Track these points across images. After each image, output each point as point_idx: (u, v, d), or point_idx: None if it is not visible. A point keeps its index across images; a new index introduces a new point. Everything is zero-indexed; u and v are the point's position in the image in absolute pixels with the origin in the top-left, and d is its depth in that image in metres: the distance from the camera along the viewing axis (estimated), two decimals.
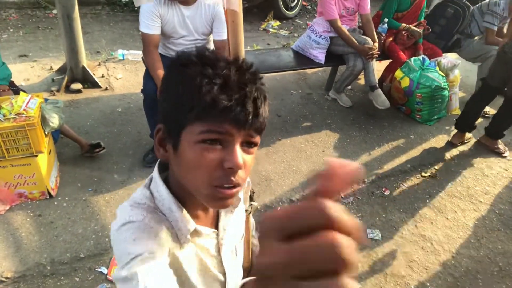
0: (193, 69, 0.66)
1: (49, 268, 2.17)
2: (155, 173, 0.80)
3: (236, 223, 0.93)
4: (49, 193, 2.56)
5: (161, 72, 2.53)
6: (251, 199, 1.11)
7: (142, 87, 2.73)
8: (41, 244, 2.28)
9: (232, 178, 0.68)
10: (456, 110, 4.13)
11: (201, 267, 0.84)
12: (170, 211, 0.77)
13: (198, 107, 0.65)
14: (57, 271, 2.17)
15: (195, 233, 0.80)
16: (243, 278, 1.30)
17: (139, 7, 2.58)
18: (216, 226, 0.87)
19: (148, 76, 2.67)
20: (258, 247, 1.01)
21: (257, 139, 0.72)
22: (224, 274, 0.89)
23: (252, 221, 1.22)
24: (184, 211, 0.77)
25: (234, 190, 0.70)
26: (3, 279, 2.09)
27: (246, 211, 1.11)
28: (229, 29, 0.95)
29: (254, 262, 1.29)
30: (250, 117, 0.65)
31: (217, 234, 0.86)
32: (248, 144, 0.71)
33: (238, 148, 0.67)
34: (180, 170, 0.74)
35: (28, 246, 2.27)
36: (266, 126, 0.72)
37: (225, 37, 2.71)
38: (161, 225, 0.75)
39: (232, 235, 0.91)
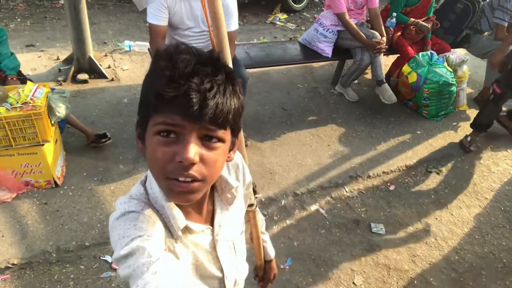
0: (156, 62, 0.67)
1: (54, 255, 2.19)
2: (149, 170, 0.80)
3: (233, 220, 0.92)
4: (55, 182, 2.58)
5: (161, 42, 2.56)
6: (254, 192, 1.10)
7: None
8: (47, 232, 2.31)
9: (185, 172, 0.67)
10: (464, 106, 4.10)
11: (196, 263, 0.84)
12: (162, 208, 0.77)
13: (153, 100, 0.66)
14: (62, 259, 2.19)
15: (188, 230, 0.80)
16: (257, 275, 1.32)
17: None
18: (211, 223, 0.87)
19: None
20: (268, 243, 1.02)
21: (220, 133, 0.69)
22: (221, 270, 0.88)
23: (261, 216, 1.22)
24: (175, 208, 0.77)
25: (192, 184, 0.68)
26: (10, 265, 2.11)
27: (252, 205, 1.11)
28: (211, 22, 0.93)
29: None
30: (195, 108, 0.63)
31: (212, 231, 0.86)
32: (210, 139, 0.69)
33: (191, 142, 0.66)
34: (148, 163, 0.74)
35: (34, 233, 2.29)
36: (230, 120, 0.69)
37: (233, 28, 2.70)
38: (157, 218, 0.76)
39: (229, 231, 0.90)
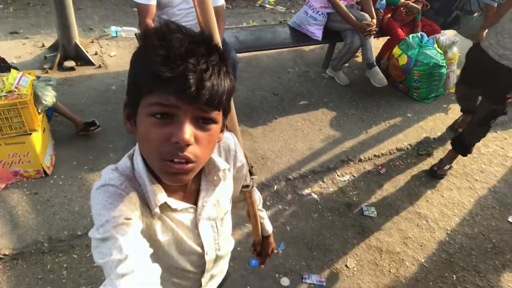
0: (148, 41, 0.66)
1: (46, 245, 2.18)
2: (137, 145, 0.80)
3: (218, 200, 0.94)
4: (45, 172, 2.54)
5: (150, 22, 2.52)
6: (250, 173, 1.13)
7: None
8: (38, 222, 2.28)
9: (180, 153, 0.67)
10: (454, 88, 4.12)
11: (176, 239, 0.87)
12: (144, 184, 0.78)
13: (146, 80, 0.64)
14: (54, 248, 2.18)
15: (169, 207, 0.81)
16: (255, 250, 1.37)
17: None
18: (195, 202, 0.89)
19: None
20: (266, 219, 1.04)
21: (214, 115, 0.69)
22: (202, 247, 0.92)
23: (258, 195, 1.25)
24: (156, 184, 0.78)
25: (187, 166, 0.69)
26: (2, 256, 2.09)
27: (248, 186, 1.13)
28: (197, 4, 0.91)
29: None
30: (193, 89, 0.62)
31: (195, 210, 0.88)
32: (204, 120, 0.69)
33: (187, 123, 0.66)
34: (139, 144, 0.75)
35: (25, 224, 2.27)
36: (223, 101, 0.69)
37: (220, 2, 2.68)
38: (136, 193, 0.76)
39: (212, 211, 0.92)
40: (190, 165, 0.69)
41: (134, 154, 0.82)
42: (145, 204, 0.78)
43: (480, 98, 3.01)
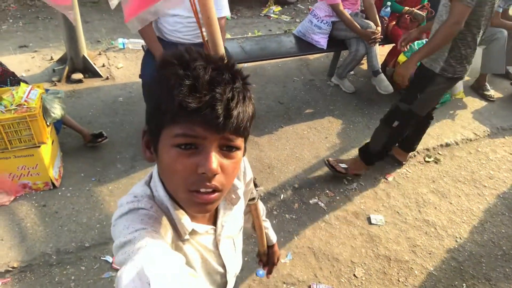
0: (169, 70, 0.64)
1: (54, 257, 2.19)
2: (155, 171, 0.79)
3: (234, 218, 0.94)
4: (53, 184, 2.57)
5: (159, 45, 2.57)
6: (255, 185, 1.13)
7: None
8: (46, 234, 2.30)
9: (208, 183, 0.66)
10: (460, 94, 4.10)
11: (202, 261, 0.86)
12: (168, 211, 0.77)
13: (171, 110, 0.62)
14: (62, 260, 2.19)
15: (193, 231, 0.81)
16: (261, 261, 1.39)
17: None
18: (214, 222, 0.88)
19: (146, 62, 2.66)
20: (270, 229, 1.04)
21: (238, 142, 0.68)
22: (223, 266, 0.91)
23: (261, 206, 1.26)
24: (181, 212, 0.77)
25: (213, 195, 0.68)
26: (10, 268, 2.11)
27: (254, 199, 1.14)
28: (205, 25, 0.90)
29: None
30: (221, 119, 0.61)
31: (215, 231, 0.87)
32: (228, 148, 0.68)
33: (212, 152, 0.65)
34: (161, 174, 0.73)
35: (33, 236, 2.29)
36: (248, 128, 0.68)
37: (222, 14, 2.59)
38: (165, 219, 0.75)
39: (230, 230, 0.92)
40: (216, 194, 0.68)
41: (151, 181, 0.80)
42: (174, 228, 0.77)
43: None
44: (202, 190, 0.66)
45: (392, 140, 2.64)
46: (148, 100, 0.71)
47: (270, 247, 1.38)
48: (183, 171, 0.66)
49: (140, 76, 2.77)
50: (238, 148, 0.69)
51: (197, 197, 0.67)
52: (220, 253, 0.89)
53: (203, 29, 0.93)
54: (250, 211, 1.22)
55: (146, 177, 0.82)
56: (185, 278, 0.57)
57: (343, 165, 2.86)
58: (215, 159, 0.65)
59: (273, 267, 1.41)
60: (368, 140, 2.86)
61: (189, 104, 0.60)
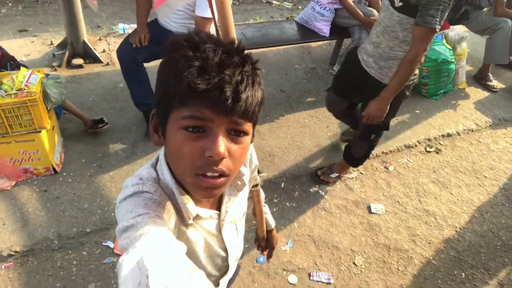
0: (179, 52, 0.64)
1: (56, 242, 2.20)
2: (162, 154, 0.79)
3: (238, 204, 0.94)
4: (54, 169, 2.56)
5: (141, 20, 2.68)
6: (259, 172, 1.14)
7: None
8: (48, 219, 2.31)
9: (215, 167, 0.65)
10: (463, 84, 4.08)
11: (205, 245, 0.87)
12: (172, 194, 0.77)
13: (180, 92, 0.62)
14: (64, 245, 2.20)
15: (197, 216, 0.81)
16: (260, 245, 1.41)
17: None
18: (218, 207, 0.89)
19: (127, 40, 2.67)
20: (269, 214, 1.04)
21: (246, 127, 0.67)
22: (225, 250, 0.93)
23: (262, 193, 1.27)
24: (186, 197, 0.77)
25: (219, 180, 0.67)
26: (12, 253, 2.12)
27: (257, 185, 1.16)
28: (217, 11, 0.89)
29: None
30: (229, 102, 0.61)
31: (219, 216, 0.88)
32: (236, 133, 0.67)
33: (220, 136, 0.64)
34: (168, 157, 0.73)
35: (35, 221, 2.29)
36: (256, 113, 0.68)
37: (200, 13, 2.48)
38: (170, 201, 0.75)
39: (234, 215, 0.93)
40: (223, 178, 0.67)
41: (157, 164, 0.80)
42: (178, 212, 0.77)
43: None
44: (209, 174, 0.66)
45: (373, 147, 2.59)
46: (157, 84, 0.70)
47: (269, 231, 1.40)
48: (190, 154, 0.65)
49: (117, 52, 2.73)
50: (246, 133, 0.68)
51: (203, 181, 0.66)
52: (223, 237, 0.90)
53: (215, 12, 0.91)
54: (252, 197, 1.23)
55: (153, 159, 0.82)
56: (184, 270, 0.57)
57: (334, 175, 2.81)
58: (222, 143, 0.64)
59: (272, 251, 1.43)
60: (347, 143, 2.80)
61: (198, 85, 0.60)
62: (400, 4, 1.94)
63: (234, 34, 0.91)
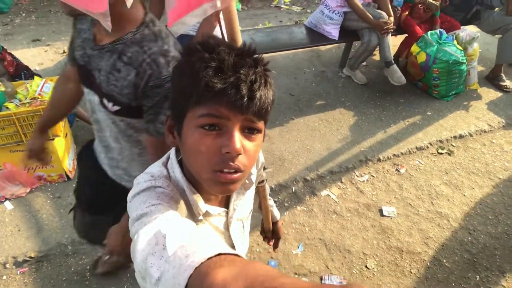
0: (194, 56, 0.68)
1: (70, 248, 2.23)
2: (172, 153, 0.82)
3: (246, 202, 0.97)
4: (67, 176, 2.61)
5: None
6: (264, 168, 1.17)
7: None
8: (62, 225, 2.34)
9: (231, 163, 0.68)
10: (475, 85, 4.03)
11: None
12: (183, 191, 0.80)
13: (197, 92, 0.65)
14: (78, 251, 2.23)
15: (206, 213, 0.84)
16: (266, 236, 1.48)
17: None
18: (226, 205, 0.91)
19: None
20: (274, 207, 1.12)
21: (260, 125, 0.71)
22: (233, 247, 0.95)
23: (267, 187, 1.31)
24: (196, 194, 0.80)
25: (236, 175, 0.70)
26: (28, 258, 2.16)
27: (263, 181, 1.20)
28: (224, 20, 0.92)
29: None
30: (245, 100, 0.64)
31: (227, 213, 0.91)
32: (250, 130, 0.70)
33: (236, 133, 0.67)
34: (184, 156, 0.75)
35: (49, 227, 2.33)
36: (269, 111, 0.71)
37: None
38: (180, 197, 0.78)
39: (241, 213, 0.95)
40: (238, 174, 0.70)
41: (168, 162, 0.83)
42: (188, 208, 0.80)
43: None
44: (226, 170, 0.69)
45: None
46: (173, 87, 0.75)
47: (275, 223, 1.45)
48: (207, 151, 0.68)
49: None
50: (259, 131, 0.72)
51: (220, 177, 0.69)
52: (230, 234, 0.93)
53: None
54: (258, 192, 1.27)
55: (163, 158, 0.85)
56: (199, 231, 0.63)
57: None
58: (238, 139, 0.67)
59: (278, 241, 1.49)
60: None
61: (215, 85, 0.64)
62: None
63: (240, 41, 0.95)
